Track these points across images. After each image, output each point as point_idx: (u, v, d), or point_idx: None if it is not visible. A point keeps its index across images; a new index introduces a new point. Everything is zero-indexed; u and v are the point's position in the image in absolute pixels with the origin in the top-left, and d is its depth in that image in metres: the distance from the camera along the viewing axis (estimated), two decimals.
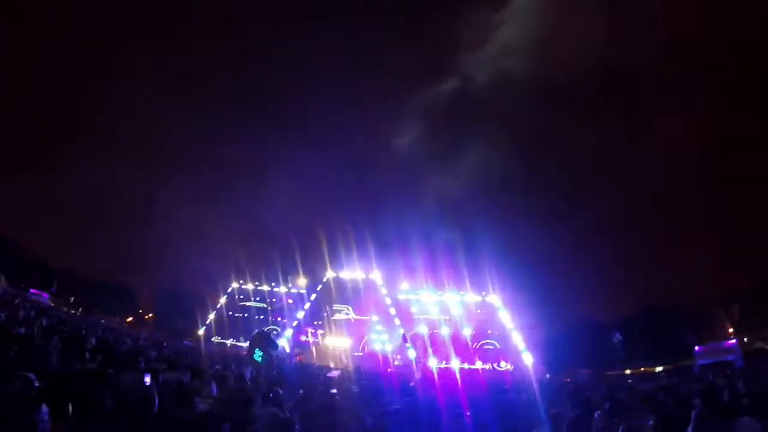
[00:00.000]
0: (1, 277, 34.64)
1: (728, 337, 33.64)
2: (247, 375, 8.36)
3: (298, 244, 44.40)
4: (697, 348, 31.59)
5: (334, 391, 11.69)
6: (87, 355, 7.92)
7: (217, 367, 9.57)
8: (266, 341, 9.64)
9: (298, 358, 20.73)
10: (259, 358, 8.26)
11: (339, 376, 21.06)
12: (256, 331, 11.42)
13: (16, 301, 22.09)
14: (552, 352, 37.49)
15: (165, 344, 19.93)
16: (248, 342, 10.55)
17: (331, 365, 30.62)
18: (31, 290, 39.89)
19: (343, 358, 34.83)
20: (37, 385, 4.23)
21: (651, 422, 7.81)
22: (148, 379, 5.11)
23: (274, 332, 22.50)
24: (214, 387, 7.14)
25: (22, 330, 9.71)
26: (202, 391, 7.32)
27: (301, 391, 9.22)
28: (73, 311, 40.57)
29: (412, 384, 16.23)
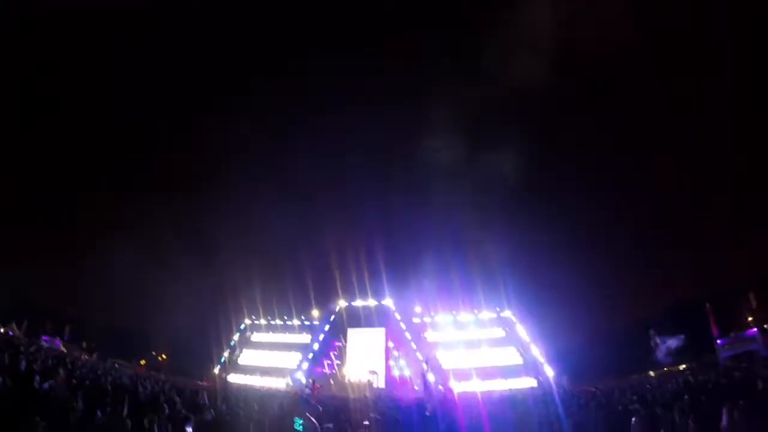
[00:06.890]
0: (13, 325, 34.44)
1: (749, 326, 33.07)
2: None
3: (308, 276, 44.20)
4: (719, 341, 31.01)
5: (366, 423, 11.47)
6: (110, 403, 7.77)
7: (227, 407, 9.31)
8: (302, 406, 9.35)
9: (315, 388, 20.34)
10: (301, 427, 8.04)
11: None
12: (287, 400, 11.04)
13: (32, 349, 21.90)
14: (574, 362, 36.71)
15: (184, 387, 19.68)
16: (281, 409, 10.20)
17: (350, 395, 30.12)
18: (44, 337, 39.61)
19: (362, 387, 34.24)
20: None
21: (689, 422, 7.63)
22: (189, 430, 4.93)
23: (305, 391, 21.96)
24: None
25: (45, 382, 9.54)
26: None
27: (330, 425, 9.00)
28: (86, 357, 40.22)
29: (430, 410, 15.85)
